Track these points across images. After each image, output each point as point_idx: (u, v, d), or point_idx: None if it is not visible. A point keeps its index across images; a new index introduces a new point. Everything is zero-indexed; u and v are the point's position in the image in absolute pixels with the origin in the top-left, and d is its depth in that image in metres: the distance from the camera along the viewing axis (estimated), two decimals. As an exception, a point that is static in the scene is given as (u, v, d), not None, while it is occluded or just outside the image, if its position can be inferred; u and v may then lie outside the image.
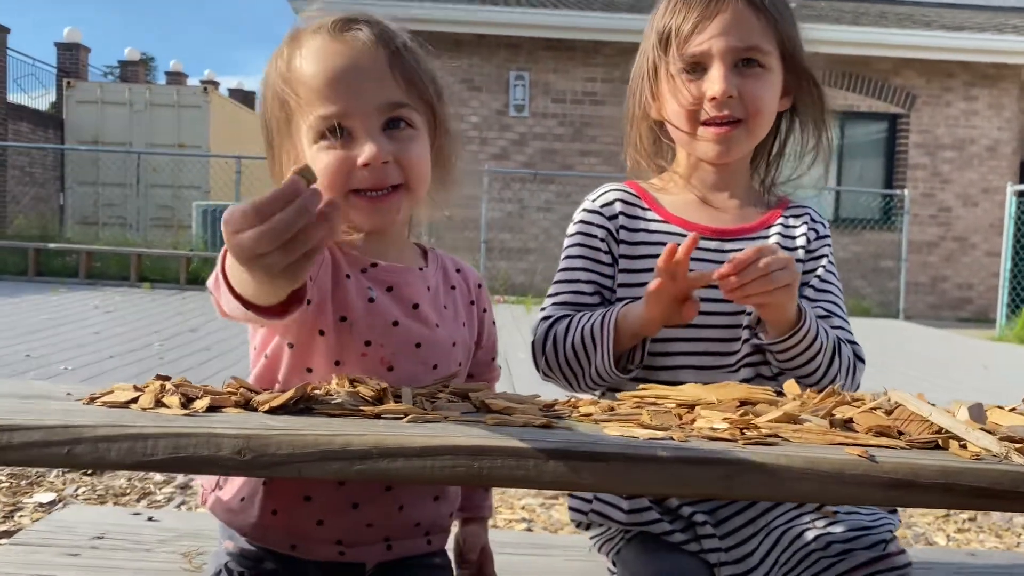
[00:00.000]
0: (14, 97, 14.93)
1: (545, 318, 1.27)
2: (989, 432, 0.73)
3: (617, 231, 1.27)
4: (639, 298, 1.17)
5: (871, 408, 0.80)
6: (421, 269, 1.14)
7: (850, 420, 0.78)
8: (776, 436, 0.75)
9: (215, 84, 20.04)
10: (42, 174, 14.99)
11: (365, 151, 1.02)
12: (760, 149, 1.31)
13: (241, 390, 0.83)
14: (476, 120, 10.60)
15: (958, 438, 0.73)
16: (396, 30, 1.10)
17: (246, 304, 0.80)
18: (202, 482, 1.18)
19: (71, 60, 17.65)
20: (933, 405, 0.79)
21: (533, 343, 1.25)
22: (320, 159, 1.04)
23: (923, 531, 2.61)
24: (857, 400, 0.84)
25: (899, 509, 2.75)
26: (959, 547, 2.45)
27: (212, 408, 0.79)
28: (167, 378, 0.86)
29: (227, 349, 5.33)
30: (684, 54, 1.21)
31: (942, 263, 11.29)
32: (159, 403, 0.79)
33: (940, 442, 0.74)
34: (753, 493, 0.68)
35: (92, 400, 0.81)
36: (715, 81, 1.19)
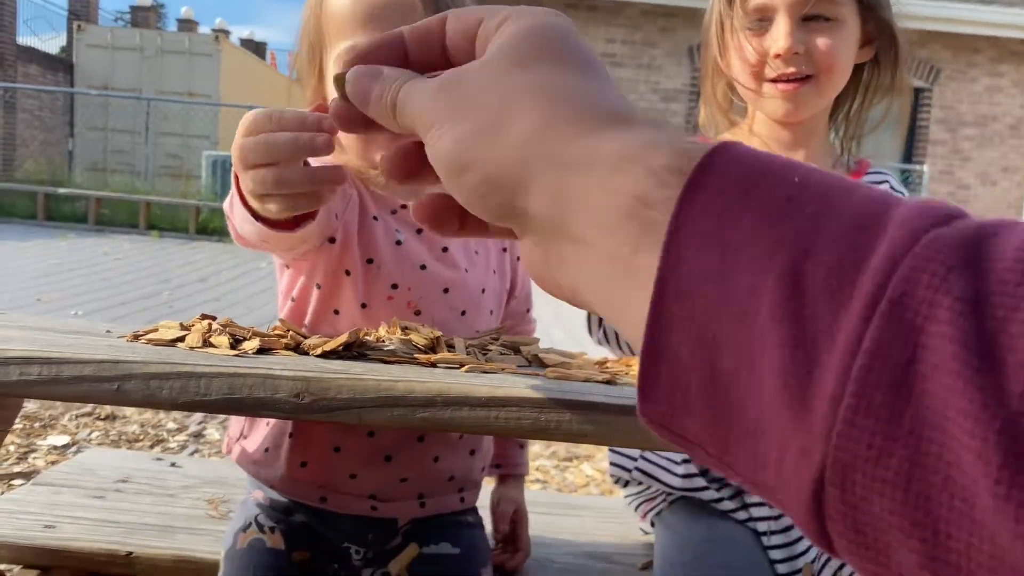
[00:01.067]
0: (24, 39, 14.77)
1: None
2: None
3: None
4: None
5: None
6: None
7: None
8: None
9: (227, 33, 19.80)
10: (51, 118, 14.87)
11: None
12: (840, 102, 1.23)
13: (291, 333, 0.80)
14: (491, 79, 10.48)
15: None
16: None
17: (255, 215, 0.77)
18: (229, 431, 1.15)
19: (82, 3, 17.43)
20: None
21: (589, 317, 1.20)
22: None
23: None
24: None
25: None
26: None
27: (262, 350, 0.75)
28: (213, 317, 0.82)
29: (237, 300, 5.32)
30: (748, 7, 1.14)
31: (955, 241, 11.22)
32: (207, 343, 0.75)
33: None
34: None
35: (136, 338, 0.77)
36: (779, 37, 1.12)
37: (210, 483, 1.45)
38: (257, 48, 21.68)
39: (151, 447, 2.68)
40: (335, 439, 1.04)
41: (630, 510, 1.32)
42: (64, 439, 2.63)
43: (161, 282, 5.89)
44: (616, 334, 1.14)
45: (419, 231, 1.06)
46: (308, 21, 1.06)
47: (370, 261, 1.01)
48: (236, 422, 1.14)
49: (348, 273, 1.00)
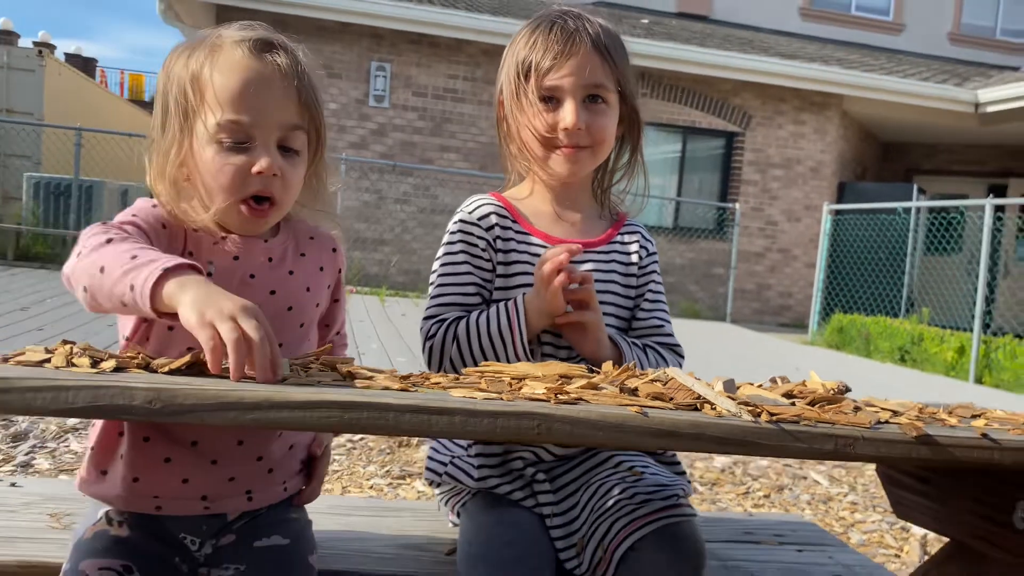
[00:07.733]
0: None
1: (434, 317, 1.42)
2: (732, 399, 0.99)
3: (494, 241, 1.45)
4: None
5: (651, 380, 1.05)
6: (266, 241, 1.29)
7: (636, 389, 1.03)
8: (581, 399, 0.98)
9: (51, 48, 18.70)
10: None
11: (262, 161, 1.19)
12: (597, 168, 1.54)
13: (141, 355, 0.97)
14: (335, 107, 10.54)
15: (711, 403, 0.99)
16: (304, 61, 1.26)
17: (157, 312, 0.99)
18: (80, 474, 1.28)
19: None
20: (698, 379, 1.05)
21: (430, 343, 1.40)
22: (218, 160, 1.19)
23: (726, 505, 2.99)
24: (643, 374, 1.09)
25: (704, 486, 3.09)
26: (751, 516, 2.84)
27: (118, 369, 0.92)
28: (72, 343, 0.98)
29: (63, 330, 5.14)
30: (542, 86, 1.42)
31: (767, 272, 12.29)
32: (70, 363, 0.91)
33: (698, 405, 0.99)
34: (560, 439, 0.90)
35: (5, 360, 0.92)
36: (568, 114, 1.41)
37: (52, 499, 1.55)
38: (85, 65, 20.58)
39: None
40: (164, 452, 1.20)
41: (444, 510, 1.55)
42: None
43: (-22, 311, 5.59)
44: (476, 362, 1.37)
45: (236, 258, 1.25)
46: (174, 85, 1.22)
47: None
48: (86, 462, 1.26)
49: None
